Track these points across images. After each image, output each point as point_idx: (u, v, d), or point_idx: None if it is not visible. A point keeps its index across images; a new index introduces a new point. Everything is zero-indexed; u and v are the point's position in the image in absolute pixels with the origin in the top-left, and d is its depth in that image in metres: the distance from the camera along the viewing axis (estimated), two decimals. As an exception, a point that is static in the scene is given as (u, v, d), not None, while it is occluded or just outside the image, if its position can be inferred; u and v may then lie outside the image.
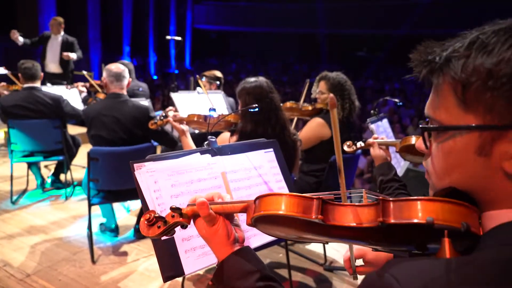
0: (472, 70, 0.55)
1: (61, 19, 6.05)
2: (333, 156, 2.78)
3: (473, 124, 0.56)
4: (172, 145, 3.01)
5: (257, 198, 0.78)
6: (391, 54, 17.75)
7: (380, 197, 0.63)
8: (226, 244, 0.85)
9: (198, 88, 3.54)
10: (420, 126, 0.65)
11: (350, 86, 2.90)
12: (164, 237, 0.91)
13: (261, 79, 2.34)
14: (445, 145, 0.61)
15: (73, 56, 5.96)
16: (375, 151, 1.74)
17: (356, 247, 1.21)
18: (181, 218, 0.88)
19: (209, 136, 1.40)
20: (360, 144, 1.88)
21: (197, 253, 1.22)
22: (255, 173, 1.44)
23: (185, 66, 18.16)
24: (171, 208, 0.88)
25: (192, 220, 0.90)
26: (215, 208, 0.87)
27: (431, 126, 0.63)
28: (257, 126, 2.23)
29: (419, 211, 0.58)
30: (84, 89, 4.40)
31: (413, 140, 1.65)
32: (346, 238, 0.71)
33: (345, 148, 1.94)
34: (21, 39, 5.92)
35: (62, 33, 6.04)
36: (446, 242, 0.54)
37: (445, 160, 0.61)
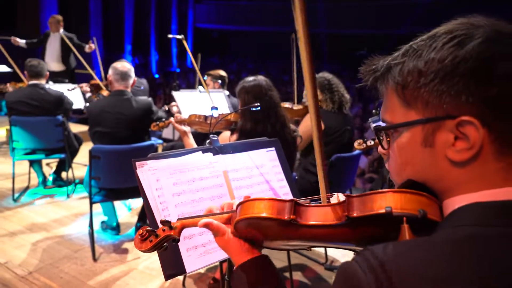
0: (407, 72, 0.62)
1: (59, 17, 6.00)
2: (334, 155, 2.79)
3: (414, 119, 0.62)
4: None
5: (237, 206, 0.82)
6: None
7: (346, 194, 0.69)
8: (240, 251, 0.86)
9: (199, 87, 3.54)
10: (373, 127, 0.71)
11: (337, 81, 2.99)
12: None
13: (260, 77, 2.35)
14: (396, 142, 0.67)
15: (21, 42, 5.90)
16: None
17: None
18: (171, 231, 0.90)
19: (211, 135, 1.40)
20: (370, 142, 1.89)
21: (198, 252, 1.22)
22: (257, 172, 1.44)
23: (186, 65, 18.16)
24: (161, 222, 0.89)
25: (181, 233, 0.92)
26: (204, 221, 0.89)
27: (381, 126, 0.69)
28: (257, 124, 2.23)
29: (380, 203, 0.62)
30: (88, 89, 4.39)
31: None
32: (325, 240, 0.74)
33: (356, 145, 1.95)
34: (23, 41, 5.89)
35: (61, 30, 5.99)
36: (405, 228, 0.58)
37: (399, 157, 0.67)
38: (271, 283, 0.83)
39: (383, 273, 0.51)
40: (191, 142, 2.41)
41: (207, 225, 0.87)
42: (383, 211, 0.61)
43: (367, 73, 0.70)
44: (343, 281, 0.56)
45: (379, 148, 0.74)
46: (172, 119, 2.60)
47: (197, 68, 3.33)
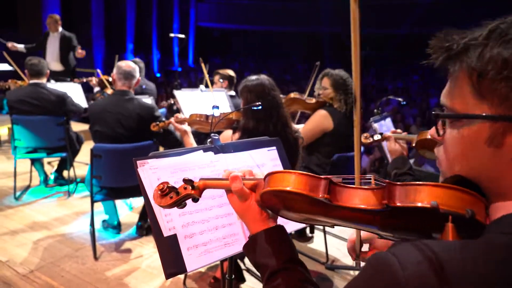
0: (488, 59, 0.54)
1: (57, 16, 5.98)
2: (336, 155, 2.78)
3: (485, 114, 0.56)
4: (176, 145, 3.01)
5: (267, 175, 0.80)
6: (394, 53, 17.70)
7: (387, 181, 0.64)
8: (259, 219, 0.85)
9: (201, 86, 3.54)
10: (433, 112, 0.64)
11: (352, 82, 2.92)
12: (177, 210, 0.94)
13: (263, 77, 2.35)
14: (457, 133, 0.61)
15: (19, 47, 5.83)
16: (391, 145, 1.74)
17: (364, 232, 1.18)
18: (192, 191, 0.90)
19: (212, 134, 1.40)
20: (377, 136, 1.88)
21: (199, 251, 1.22)
22: (258, 171, 1.44)
23: (188, 64, 18.17)
24: (184, 180, 0.90)
25: (202, 194, 0.92)
26: (226, 183, 0.88)
27: (445, 113, 0.63)
28: (259, 124, 2.23)
29: (425, 196, 0.58)
30: (96, 83, 4.39)
31: (429, 135, 1.64)
32: (352, 221, 0.71)
33: (362, 139, 1.94)
34: (21, 46, 5.83)
35: (60, 29, 5.97)
36: (450, 227, 0.55)
37: (456, 148, 0.61)
38: (286, 253, 0.82)
39: (423, 272, 0.48)
40: (191, 141, 2.41)
41: (235, 180, 0.85)
42: (428, 205, 0.57)
43: (438, 50, 0.61)
44: (374, 274, 0.53)
45: (432, 132, 0.68)
46: (172, 119, 2.59)
47: (205, 72, 3.33)
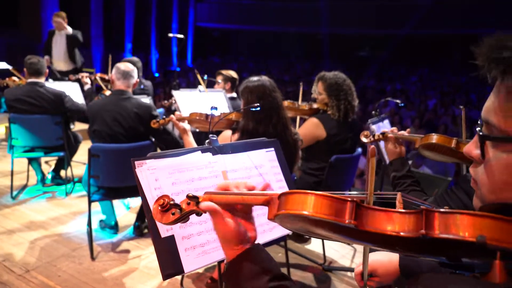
0: None
1: (63, 14, 5.84)
2: (334, 156, 2.78)
3: None
4: (174, 146, 3.00)
5: (282, 194, 0.73)
6: (393, 54, 17.74)
7: (423, 207, 0.57)
8: (236, 246, 0.80)
9: (199, 86, 3.54)
10: (480, 134, 0.57)
11: (349, 85, 2.88)
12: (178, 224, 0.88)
13: (264, 78, 2.34)
14: (507, 157, 0.55)
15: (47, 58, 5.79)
16: (390, 146, 1.71)
17: (370, 260, 1.19)
18: (196, 207, 0.84)
19: (210, 135, 1.40)
20: (378, 135, 1.86)
21: (196, 252, 1.22)
22: (256, 172, 1.44)
23: (187, 64, 18.16)
24: (188, 196, 0.84)
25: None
26: (233, 198, 0.81)
27: (497, 136, 0.56)
28: (259, 125, 2.23)
29: (469, 227, 0.51)
30: (88, 81, 4.34)
31: (433, 139, 1.61)
32: (374, 243, 0.66)
33: (363, 138, 1.92)
34: (47, 57, 5.78)
35: (67, 28, 5.93)
36: (498, 265, 0.48)
37: (504, 173, 0.55)
38: (270, 272, 0.77)
39: None
40: (190, 140, 2.40)
41: (210, 209, 0.80)
42: (473, 239, 0.50)
43: (491, 61, 0.53)
44: None
45: (472, 152, 0.60)
46: (172, 116, 2.58)
47: (202, 82, 3.32)
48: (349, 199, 0.64)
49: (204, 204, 0.82)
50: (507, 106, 0.53)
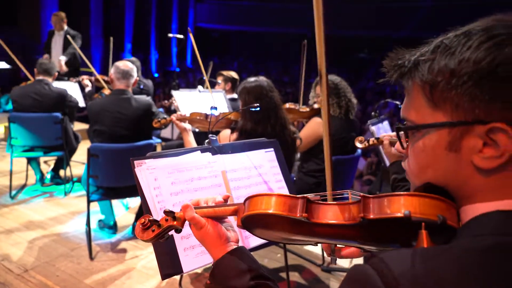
0: (438, 71, 0.59)
1: (62, 14, 5.84)
2: (333, 157, 2.78)
3: (443, 121, 0.59)
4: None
5: (246, 199, 0.81)
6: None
7: (361, 195, 0.66)
8: (218, 244, 0.87)
9: (199, 86, 3.54)
10: (395, 126, 0.68)
11: (345, 85, 2.94)
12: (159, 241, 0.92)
13: (262, 78, 2.36)
14: (418, 143, 0.64)
15: (63, 59, 5.74)
16: (387, 149, 1.71)
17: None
18: (174, 222, 0.88)
19: (210, 135, 1.40)
20: (373, 140, 1.86)
21: (195, 252, 1.22)
22: (255, 173, 1.44)
23: (186, 65, 18.16)
24: (165, 212, 0.89)
25: (184, 224, 0.91)
26: (207, 212, 0.88)
27: (404, 126, 0.66)
28: (257, 125, 2.24)
29: (398, 206, 0.60)
30: (89, 83, 4.36)
31: None
32: (333, 237, 0.73)
33: (357, 144, 1.91)
34: (62, 58, 5.74)
35: (66, 28, 5.87)
36: (424, 234, 0.56)
37: (419, 158, 0.64)
38: (252, 271, 0.83)
39: (404, 285, 0.49)
40: (190, 140, 2.41)
41: (186, 209, 0.87)
42: (401, 214, 0.59)
43: (391, 68, 0.66)
44: (353, 283, 0.54)
45: (397, 146, 0.71)
46: (173, 116, 2.59)
47: (203, 71, 3.31)
48: (300, 196, 0.73)
49: (183, 205, 0.88)
50: (408, 102, 0.66)
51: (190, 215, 0.87)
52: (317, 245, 0.83)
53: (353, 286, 0.55)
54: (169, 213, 0.89)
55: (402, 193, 0.61)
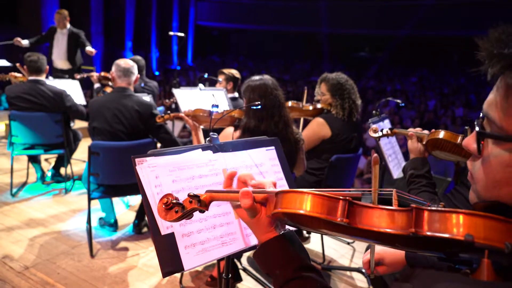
0: None
1: (65, 12, 5.77)
2: (334, 156, 2.78)
3: None
4: (171, 145, 3.01)
5: (279, 193, 0.75)
6: (393, 54, 17.74)
7: (413, 205, 0.58)
8: (268, 231, 0.81)
9: (200, 85, 3.54)
10: (477, 130, 0.56)
11: (351, 85, 2.91)
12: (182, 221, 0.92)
13: (266, 77, 2.36)
14: (504, 155, 0.54)
15: (24, 42, 5.57)
16: (413, 144, 1.72)
17: (377, 248, 1.20)
18: (198, 205, 0.87)
19: (211, 133, 1.40)
20: (387, 130, 1.88)
21: (196, 249, 1.22)
22: (256, 171, 1.44)
23: (187, 63, 18.15)
24: (189, 195, 0.88)
25: (209, 206, 0.89)
26: (234, 196, 0.85)
27: (493, 133, 0.55)
28: (260, 122, 2.24)
29: (457, 226, 0.52)
30: (97, 79, 4.34)
31: (440, 135, 1.62)
32: (371, 240, 0.67)
33: (371, 133, 1.94)
34: (26, 42, 5.64)
35: (68, 26, 5.79)
36: (485, 264, 0.49)
37: (500, 172, 0.55)
38: (298, 261, 0.78)
39: None
40: (200, 136, 2.40)
41: (246, 196, 0.80)
42: (461, 238, 0.50)
43: (494, 56, 0.51)
44: None
45: (470, 145, 0.59)
46: (181, 112, 2.60)
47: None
48: (341, 197, 0.65)
49: (242, 191, 0.82)
50: (506, 104, 0.52)
51: (248, 203, 0.80)
52: (350, 244, 0.80)
53: None
54: (194, 197, 0.87)
55: (464, 211, 0.52)
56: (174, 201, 0.88)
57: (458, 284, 0.48)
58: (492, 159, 0.55)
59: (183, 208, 0.87)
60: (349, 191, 0.70)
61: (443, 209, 0.54)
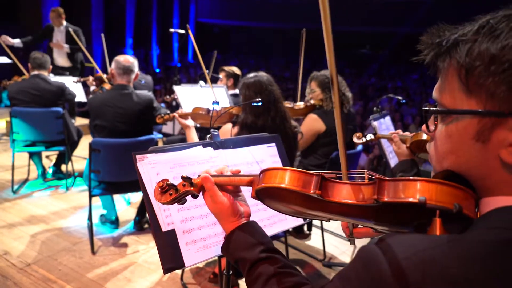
0: (477, 55, 0.54)
1: (60, 10, 5.77)
2: (335, 152, 2.79)
3: (474, 109, 0.56)
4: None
5: (262, 171, 0.82)
6: (394, 52, 17.70)
7: (377, 175, 0.65)
8: (232, 219, 0.88)
9: (200, 82, 3.53)
10: (423, 108, 0.64)
11: (339, 80, 2.95)
12: (176, 205, 0.98)
13: (261, 73, 2.39)
14: (446, 128, 0.61)
15: (16, 42, 5.45)
16: (398, 147, 1.71)
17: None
18: (191, 188, 0.92)
19: (212, 130, 1.40)
20: (370, 136, 1.87)
21: (197, 246, 1.22)
22: (257, 168, 1.44)
23: (187, 60, 18.13)
24: (182, 177, 0.92)
25: (201, 192, 0.93)
26: (223, 180, 0.91)
27: (433, 109, 0.63)
28: (258, 118, 2.26)
29: (413, 191, 0.59)
30: (94, 83, 4.36)
31: (424, 136, 1.61)
32: (345, 215, 0.73)
33: (355, 139, 1.94)
34: (17, 41, 5.50)
35: (65, 23, 5.80)
36: (437, 221, 0.55)
37: (445, 143, 0.62)
38: (262, 244, 0.84)
39: (408, 268, 0.49)
40: (193, 136, 2.43)
41: (206, 181, 0.89)
42: (415, 200, 0.57)
43: (428, 46, 0.61)
44: (362, 266, 0.54)
45: (423, 127, 0.68)
46: (175, 113, 2.63)
47: (203, 66, 3.28)
48: (316, 173, 0.73)
49: (202, 175, 0.91)
50: (442, 84, 0.61)
51: (210, 187, 0.89)
52: (329, 221, 0.83)
53: (360, 266, 0.55)
54: (186, 179, 0.92)
55: (419, 178, 0.59)
56: (169, 182, 0.94)
57: (410, 235, 0.55)
58: (438, 135, 0.63)
59: (177, 191, 0.93)
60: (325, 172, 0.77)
61: (402, 178, 0.61)
